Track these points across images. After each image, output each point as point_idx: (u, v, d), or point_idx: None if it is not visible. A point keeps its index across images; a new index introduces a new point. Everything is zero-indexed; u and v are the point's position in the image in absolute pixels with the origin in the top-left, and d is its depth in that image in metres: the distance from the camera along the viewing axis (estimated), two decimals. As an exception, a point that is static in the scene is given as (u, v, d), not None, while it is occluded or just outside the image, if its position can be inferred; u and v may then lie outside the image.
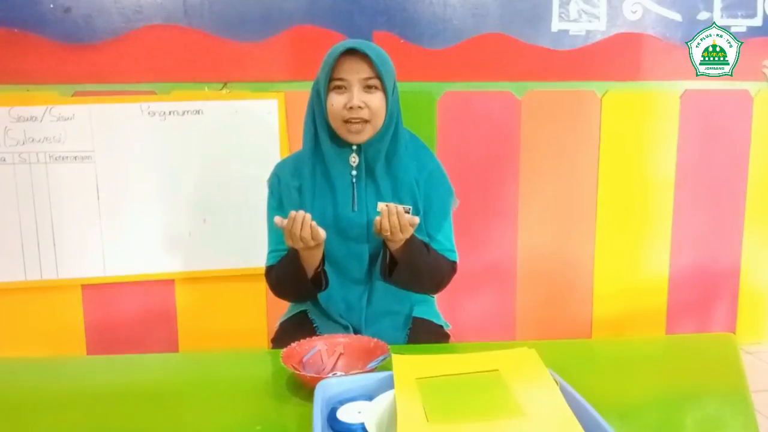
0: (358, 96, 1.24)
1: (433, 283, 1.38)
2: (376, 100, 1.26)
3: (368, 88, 1.26)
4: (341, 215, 1.31)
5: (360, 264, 1.33)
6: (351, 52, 1.24)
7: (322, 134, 1.31)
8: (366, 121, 1.26)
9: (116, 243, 2.16)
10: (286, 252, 1.32)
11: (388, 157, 1.32)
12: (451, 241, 1.40)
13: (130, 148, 2.13)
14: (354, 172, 1.32)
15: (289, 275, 1.31)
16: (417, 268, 1.30)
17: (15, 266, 2.12)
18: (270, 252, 1.39)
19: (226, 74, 2.16)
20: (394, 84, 1.31)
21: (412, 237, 1.26)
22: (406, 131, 1.36)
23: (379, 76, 1.25)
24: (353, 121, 1.25)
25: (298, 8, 2.16)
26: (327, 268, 1.31)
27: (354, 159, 1.31)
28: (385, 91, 1.27)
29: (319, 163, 1.32)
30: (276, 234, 1.35)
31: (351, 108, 1.24)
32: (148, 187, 2.16)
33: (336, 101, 1.26)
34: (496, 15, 2.28)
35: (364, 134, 1.27)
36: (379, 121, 1.28)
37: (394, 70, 1.31)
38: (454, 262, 1.39)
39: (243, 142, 2.19)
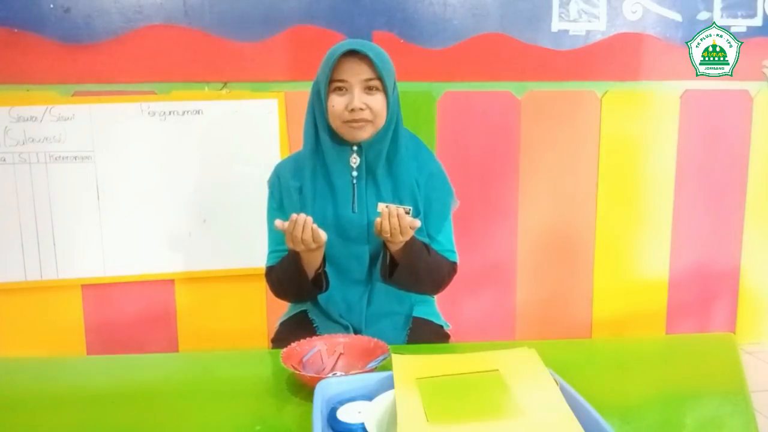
0: (359, 98, 1.24)
1: (434, 284, 1.37)
2: (378, 101, 1.26)
3: (369, 89, 1.25)
4: (341, 216, 1.31)
5: (360, 265, 1.33)
6: (351, 52, 1.23)
7: (322, 134, 1.30)
8: (368, 121, 1.26)
9: (116, 243, 2.16)
10: (286, 253, 1.32)
11: (389, 157, 1.31)
12: (451, 242, 1.40)
13: (130, 148, 2.13)
14: (355, 173, 1.31)
15: (289, 276, 1.31)
16: (417, 269, 1.29)
17: (15, 266, 2.12)
18: (270, 252, 1.38)
19: (226, 74, 2.16)
20: (394, 84, 1.31)
21: (413, 239, 1.26)
22: (406, 131, 1.36)
23: (380, 77, 1.24)
24: (355, 121, 1.25)
25: (298, 8, 2.16)
26: (327, 268, 1.31)
27: (354, 160, 1.31)
28: (385, 91, 1.26)
29: (320, 163, 1.32)
30: (276, 234, 1.35)
31: (352, 110, 1.23)
32: (148, 187, 2.17)
33: (337, 103, 1.25)
34: (496, 15, 2.28)
35: (366, 132, 1.27)
36: (381, 121, 1.27)
37: (394, 70, 1.30)
38: (455, 263, 1.39)
39: (243, 142, 2.19)
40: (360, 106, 1.23)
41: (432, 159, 1.39)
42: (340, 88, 1.25)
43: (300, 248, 1.22)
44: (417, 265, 1.29)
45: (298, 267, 1.28)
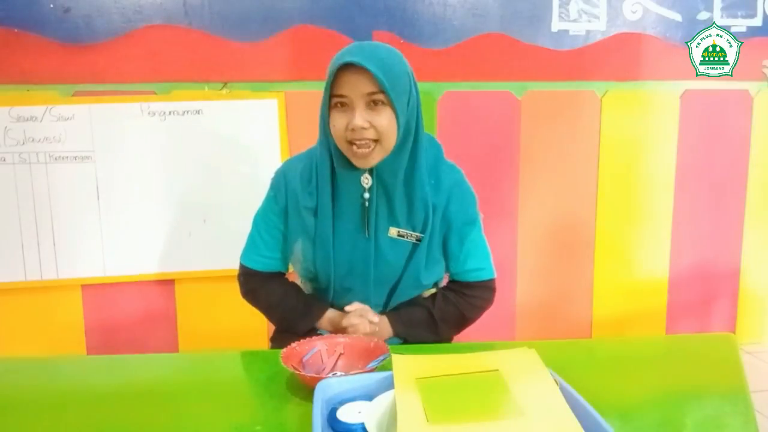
0: (360, 115, 1.09)
1: (461, 326, 1.32)
2: (384, 118, 1.11)
3: (374, 104, 1.11)
4: (349, 240, 1.22)
5: (365, 287, 1.26)
6: (354, 64, 1.08)
7: (336, 150, 1.17)
8: (375, 141, 1.12)
9: (116, 243, 2.16)
10: (276, 259, 1.31)
11: (407, 176, 1.18)
12: (481, 258, 1.29)
13: (130, 148, 2.13)
14: (366, 195, 1.19)
15: (292, 312, 1.29)
16: (425, 338, 1.26)
17: (15, 266, 2.12)
18: (257, 255, 1.31)
19: (226, 74, 2.16)
20: (410, 94, 1.15)
21: (396, 317, 1.26)
22: (426, 138, 1.23)
23: (383, 90, 1.09)
24: (358, 143, 1.11)
25: (298, 8, 2.16)
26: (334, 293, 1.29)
27: (366, 180, 1.18)
28: (393, 106, 1.12)
29: (334, 180, 1.20)
30: (269, 239, 1.29)
31: (353, 129, 1.10)
32: (148, 187, 2.16)
33: (338, 122, 1.11)
34: (496, 15, 2.28)
35: (373, 158, 1.13)
36: (390, 141, 1.13)
37: (409, 77, 1.16)
38: (487, 281, 1.30)
39: (243, 142, 2.19)
40: (362, 124, 1.09)
41: (450, 173, 1.27)
42: (342, 104, 1.12)
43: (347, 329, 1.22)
44: (422, 336, 1.26)
45: (313, 318, 1.28)
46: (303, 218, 1.24)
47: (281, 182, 1.27)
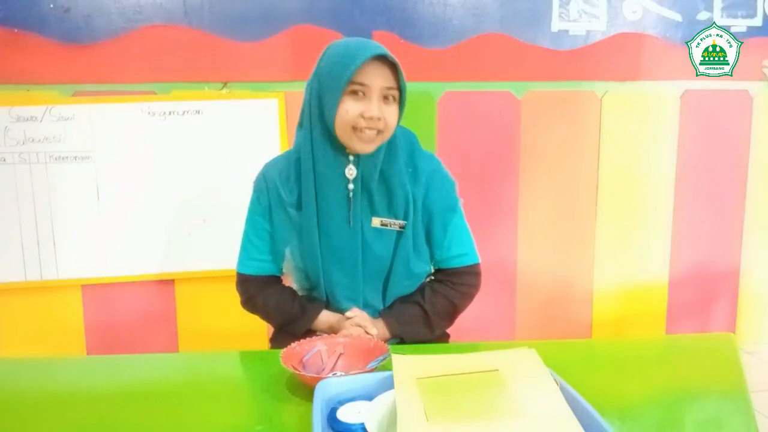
0: (377, 106, 1.15)
1: (453, 316, 1.33)
2: (392, 113, 1.18)
3: (386, 98, 1.17)
4: (335, 231, 1.24)
5: (354, 280, 1.27)
6: (376, 56, 1.14)
7: (319, 141, 1.20)
8: (379, 132, 1.17)
9: (116, 243, 2.16)
10: (271, 263, 1.31)
11: (383, 168, 1.23)
12: (465, 244, 1.32)
13: (130, 148, 2.13)
14: (351, 186, 1.22)
15: (294, 317, 1.29)
16: (421, 333, 1.28)
17: (15, 266, 2.12)
18: (250, 259, 1.32)
19: (226, 74, 2.16)
20: None
21: (391, 318, 1.27)
22: (399, 129, 1.25)
23: (399, 87, 1.18)
24: (367, 129, 1.16)
25: (298, 8, 2.16)
26: (324, 289, 1.30)
27: (351, 171, 1.22)
28: (401, 103, 1.20)
29: (315, 172, 1.22)
30: (260, 242, 1.30)
31: (370, 118, 1.15)
32: (148, 187, 2.16)
33: (351, 108, 1.15)
34: (496, 15, 2.28)
35: (373, 146, 1.18)
36: (389, 135, 1.20)
37: None
38: (472, 266, 1.33)
39: (243, 142, 2.19)
40: (378, 114, 1.15)
41: (427, 161, 1.29)
42: (355, 92, 1.16)
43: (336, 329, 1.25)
44: (418, 332, 1.28)
45: (309, 319, 1.28)
46: (287, 215, 1.26)
47: (262, 183, 1.30)
